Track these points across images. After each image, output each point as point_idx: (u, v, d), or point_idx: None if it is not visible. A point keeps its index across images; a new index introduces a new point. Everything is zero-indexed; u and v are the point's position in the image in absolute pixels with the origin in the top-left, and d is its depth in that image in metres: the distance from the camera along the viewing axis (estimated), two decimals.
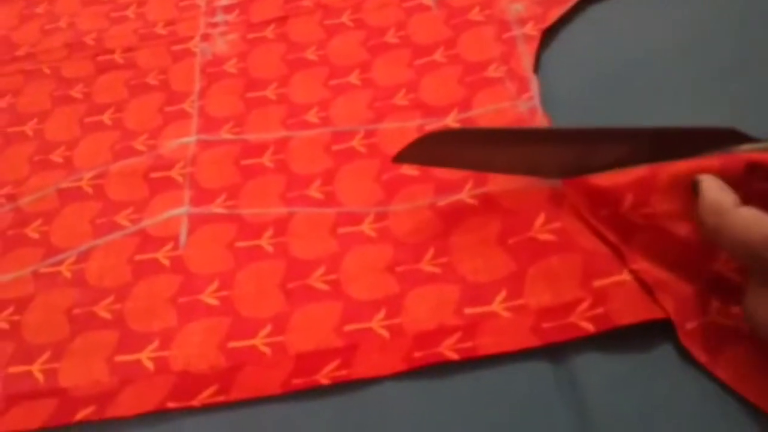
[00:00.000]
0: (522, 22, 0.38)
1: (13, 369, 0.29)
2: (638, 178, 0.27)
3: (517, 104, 0.35)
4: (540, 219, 0.29)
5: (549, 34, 0.38)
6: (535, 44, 0.37)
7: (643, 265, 0.27)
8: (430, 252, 0.30)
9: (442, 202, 0.31)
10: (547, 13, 0.38)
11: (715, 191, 0.24)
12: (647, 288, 0.26)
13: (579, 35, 0.38)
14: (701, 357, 0.25)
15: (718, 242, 0.24)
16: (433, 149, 0.30)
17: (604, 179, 0.28)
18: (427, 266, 0.29)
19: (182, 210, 0.34)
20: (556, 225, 0.29)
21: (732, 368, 0.24)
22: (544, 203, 0.30)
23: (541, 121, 0.34)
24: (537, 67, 0.36)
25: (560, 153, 0.29)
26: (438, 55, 0.38)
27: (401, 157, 0.30)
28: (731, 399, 0.24)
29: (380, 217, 0.32)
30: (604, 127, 0.28)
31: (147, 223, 0.34)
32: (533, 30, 0.38)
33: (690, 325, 0.25)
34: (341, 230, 0.32)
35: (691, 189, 0.26)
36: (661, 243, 0.27)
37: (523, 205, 0.30)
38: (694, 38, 0.35)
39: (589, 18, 0.38)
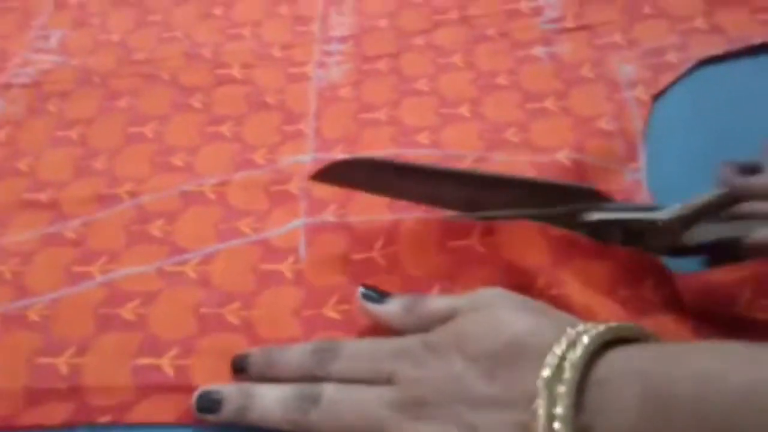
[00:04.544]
0: (632, 84, 0.40)
1: (142, 361, 0.30)
2: (756, 273, 0.27)
3: (623, 171, 0.36)
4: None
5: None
6: (645, 110, 0.39)
7: None
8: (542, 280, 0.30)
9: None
10: (657, 78, 0.40)
11: None
12: None
13: (689, 98, 0.39)
14: None
15: None
16: (351, 174, 0.33)
17: (718, 275, 0.28)
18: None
19: (299, 222, 0.35)
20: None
21: None
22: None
23: (643, 196, 0.35)
24: (645, 134, 0.38)
25: (459, 191, 0.33)
26: (548, 104, 0.40)
27: (318, 177, 0.33)
28: None
29: (486, 231, 0.32)
30: (490, 173, 0.34)
31: (269, 234, 0.35)
32: (644, 94, 0.39)
33: None
34: (451, 243, 0.32)
35: None
36: None
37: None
38: None
39: (700, 80, 0.40)
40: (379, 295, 0.29)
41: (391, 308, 0.29)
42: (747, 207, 0.30)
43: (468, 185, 0.32)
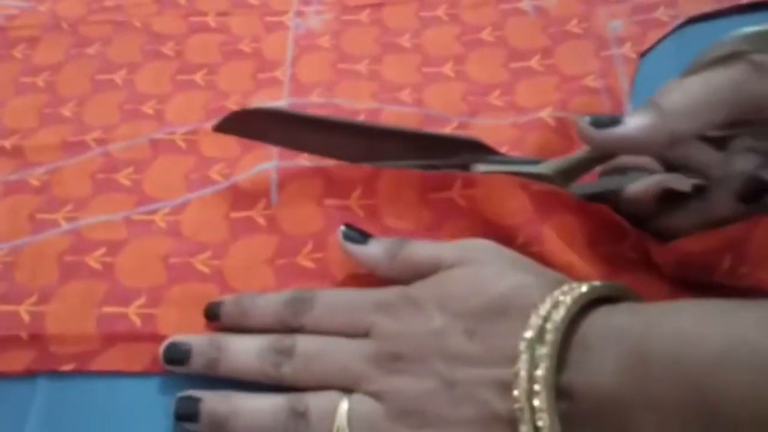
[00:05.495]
0: (620, 41, 0.39)
1: (108, 309, 0.29)
2: (733, 240, 0.27)
3: None
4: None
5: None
6: (632, 67, 0.38)
7: None
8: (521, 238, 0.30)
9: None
10: (645, 35, 0.39)
11: None
12: None
13: (676, 56, 0.38)
14: None
15: None
16: (251, 125, 0.32)
17: (695, 244, 0.27)
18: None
19: (272, 164, 0.34)
20: None
21: None
22: None
23: None
24: (631, 92, 0.37)
25: (355, 142, 0.32)
26: (534, 62, 0.39)
27: (220, 127, 0.33)
28: None
29: (467, 183, 0.31)
30: (383, 125, 0.34)
31: (238, 177, 0.34)
32: (631, 51, 0.38)
33: None
34: (431, 196, 0.31)
35: None
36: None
37: None
38: None
39: (688, 37, 0.39)
40: (362, 236, 0.28)
41: (374, 251, 0.28)
42: (628, 159, 0.30)
43: (363, 136, 0.32)
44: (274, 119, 0.32)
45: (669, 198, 0.28)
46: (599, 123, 0.25)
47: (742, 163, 0.26)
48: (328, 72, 0.39)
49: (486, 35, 0.40)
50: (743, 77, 0.24)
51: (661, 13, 0.40)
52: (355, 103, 0.37)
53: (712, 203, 0.26)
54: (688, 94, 0.24)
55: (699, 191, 0.27)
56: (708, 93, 0.24)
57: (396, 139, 0.32)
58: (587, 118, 0.25)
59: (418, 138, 0.32)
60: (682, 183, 0.28)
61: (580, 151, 0.29)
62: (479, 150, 0.31)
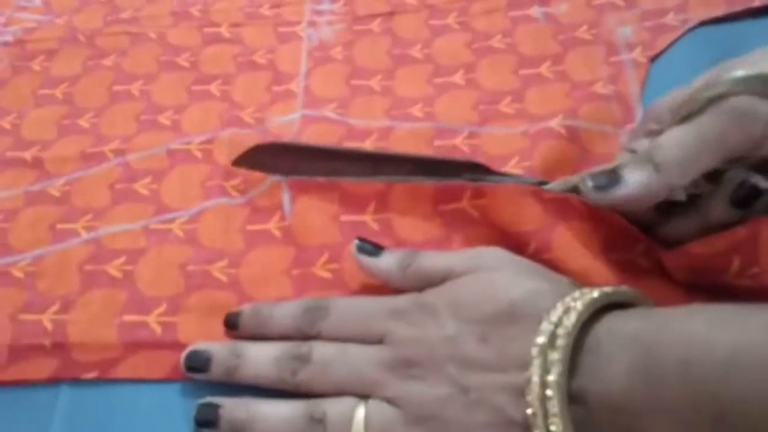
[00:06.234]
0: (630, 47, 0.39)
1: (128, 318, 0.30)
2: (741, 241, 0.27)
3: (620, 133, 0.35)
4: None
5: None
6: (643, 72, 0.38)
7: None
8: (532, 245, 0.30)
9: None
10: (656, 40, 0.39)
11: None
12: None
13: (687, 60, 0.39)
14: None
15: None
16: (267, 157, 0.34)
17: (704, 247, 0.27)
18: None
19: (283, 177, 0.34)
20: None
21: None
22: None
23: None
24: (641, 96, 0.37)
25: (362, 167, 0.33)
26: (544, 69, 0.39)
27: (238, 162, 0.34)
28: None
29: (477, 193, 0.31)
30: (385, 152, 0.35)
31: (253, 193, 0.34)
32: (642, 56, 0.38)
33: None
34: (442, 207, 0.32)
35: None
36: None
37: None
38: None
39: (699, 41, 0.39)
40: (374, 248, 0.29)
41: (387, 263, 0.29)
42: None
43: (369, 162, 0.33)
44: (284, 152, 0.34)
45: (666, 206, 0.28)
46: (600, 186, 0.26)
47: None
48: (342, 87, 0.39)
49: (496, 42, 0.41)
50: (726, 127, 0.25)
51: (671, 18, 0.40)
52: (368, 122, 0.37)
53: (708, 209, 0.27)
54: (681, 148, 0.25)
55: (693, 198, 0.28)
56: (697, 144, 0.25)
57: (399, 163, 0.33)
58: (589, 182, 0.27)
59: (420, 162, 0.33)
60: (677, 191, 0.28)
61: (579, 175, 0.29)
62: (479, 171, 0.32)
